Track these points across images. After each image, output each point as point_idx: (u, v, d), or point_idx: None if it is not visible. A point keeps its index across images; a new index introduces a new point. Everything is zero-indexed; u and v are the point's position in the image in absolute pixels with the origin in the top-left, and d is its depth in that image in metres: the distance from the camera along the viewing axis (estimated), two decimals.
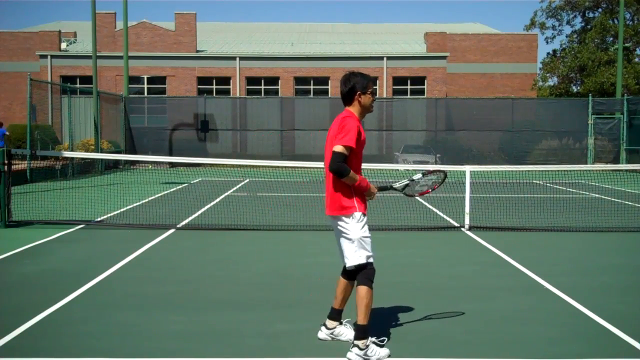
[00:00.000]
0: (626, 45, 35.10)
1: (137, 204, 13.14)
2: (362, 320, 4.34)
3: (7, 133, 21.88)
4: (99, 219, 10.89)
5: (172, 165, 24.15)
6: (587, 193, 16.04)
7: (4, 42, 37.47)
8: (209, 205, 12.91)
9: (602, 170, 22.90)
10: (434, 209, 12.48)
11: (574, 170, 19.31)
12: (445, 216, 11.54)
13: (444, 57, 35.58)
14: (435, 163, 25.82)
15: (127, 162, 24.73)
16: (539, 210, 12.65)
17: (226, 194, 15.28)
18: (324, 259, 7.79)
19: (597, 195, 15.37)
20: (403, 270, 7.22)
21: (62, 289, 6.13)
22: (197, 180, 19.26)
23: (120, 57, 30.65)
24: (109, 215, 11.43)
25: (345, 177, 4.37)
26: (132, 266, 7.33)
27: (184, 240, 9.04)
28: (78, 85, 32.16)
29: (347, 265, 4.53)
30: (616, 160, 26.94)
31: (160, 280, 6.68)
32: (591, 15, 43.33)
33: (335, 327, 4.74)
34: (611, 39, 39.42)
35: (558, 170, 18.36)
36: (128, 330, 4.95)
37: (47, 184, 17.15)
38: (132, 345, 4.64)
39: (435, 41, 36.68)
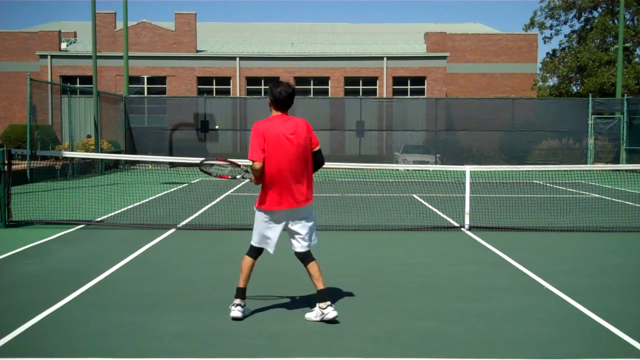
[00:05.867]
0: (626, 45, 35.08)
1: (137, 204, 13.14)
2: (324, 285, 5.21)
3: None
4: (99, 219, 10.89)
5: (172, 165, 24.13)
6: (587, 193, 16.04)
7: (4, 42, 37.47)
8: (209, 205, 12.91)
9: (602, 170, 22.91)
10: (434, 209, 12.48)
11: (574, 170, 19.30)
12: (445, 216, 11.53)
13: (444, 57, 35.57)
14: (435, 163, 25.83)
15: (127, 162, 24.71)
16: (539, 210, 12.65)
17: (226, 194, 15.28)
18: (324, 259, 7.78)
19: (597, 195, 15.37)
20: (403, 270, 7.22)
21: (62, 289, 6.13)
22: (197, 180, 19.26)
23: (120, 57, 30.64)
24: (109, 215, 11.43)
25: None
26: (132, 266, 7.33)
27: (184, 240, 9.04)
28: (78, 85, 32.15)
29: (308, 247, 5.28)
30: (616, 160, 26.93)
31: (160, 280, 6.68)
32: (589, 15, 43.33)
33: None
34: (611, 39, 39.41)
35: (558, 170, 18.36)
36: (128, 330, 4.95)
37: (47, 184, 17.15)
38: (132, 345, 4.64)
39: (435, 41, 36.68)
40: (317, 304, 5.18)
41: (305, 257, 5.29)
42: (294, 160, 5.11)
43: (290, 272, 6.98)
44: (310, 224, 5.29)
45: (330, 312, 5.09)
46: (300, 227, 5.24)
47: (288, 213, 5.20)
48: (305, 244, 5.27)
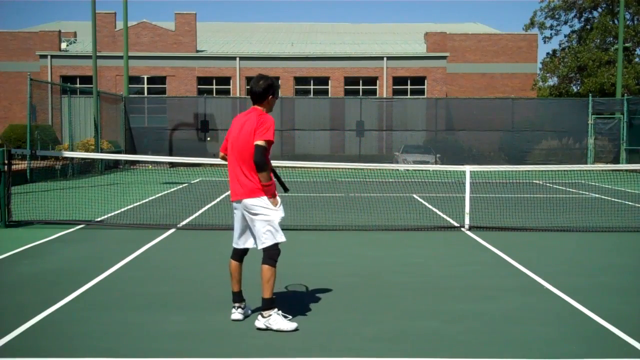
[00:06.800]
0: (626, 45, 35.08)
1: (137, 204, 13.14)
2: (268, 294, 4.96)
3: None
4: (99, 219, 10.89)
5: (172, 165, 24.14)
6: (587, 193, 16.04)
7: (4, 42, 37.45)
8: (209, 205, 12.91)
9: (602, 170, 22.90)
10: (434, 209, 12.48)
11: (574, 170, 19.31)
12: (445, 216, 11.54)
13: (444, 57, 35.56)
14: (436, 163, 25.84)
15: (127, 162, 24.72)
16: (539, 210, 12.64)
17: (226, 193, 15.27)
18: (324, 259, 7.80)
19: (597, 195, 15.37)
20: (403, 270, 7.22)
21: (62, 289, 6.13)
22: (197, 180, 19.26)
23: (120, 57, 30.64)
24: (109, 215, 11.43)
25: (264, 173, 4.96)
26: (132, 266, 7.33)
27: (184, 240, 9.04)
28: (78, 85, 32.15)
29: (261, 247, 5.03)
30: (616, 160, 26.94)
31: (160, 280, 6.68)
32: (590, 15, 43.33)
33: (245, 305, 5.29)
34: (611, 39, 39.42)
35: (558, 170, 18.35)
36: (128, 330, 4.95)
37: (47, 184, 17.15)
38: (132, 345, 4.64)
39: (435, 41, 36.67)
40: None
41: (263, 255, 5.05)
42: (237, 153, 5.08)
43: (290, 273, 6.98)
44: (257, 220, 5.00)
45: (256, 321, 4.99)
46: (250, 221, 5.08)
47: (238, 205, 5.13)
48: (255, 240, 5.10)
